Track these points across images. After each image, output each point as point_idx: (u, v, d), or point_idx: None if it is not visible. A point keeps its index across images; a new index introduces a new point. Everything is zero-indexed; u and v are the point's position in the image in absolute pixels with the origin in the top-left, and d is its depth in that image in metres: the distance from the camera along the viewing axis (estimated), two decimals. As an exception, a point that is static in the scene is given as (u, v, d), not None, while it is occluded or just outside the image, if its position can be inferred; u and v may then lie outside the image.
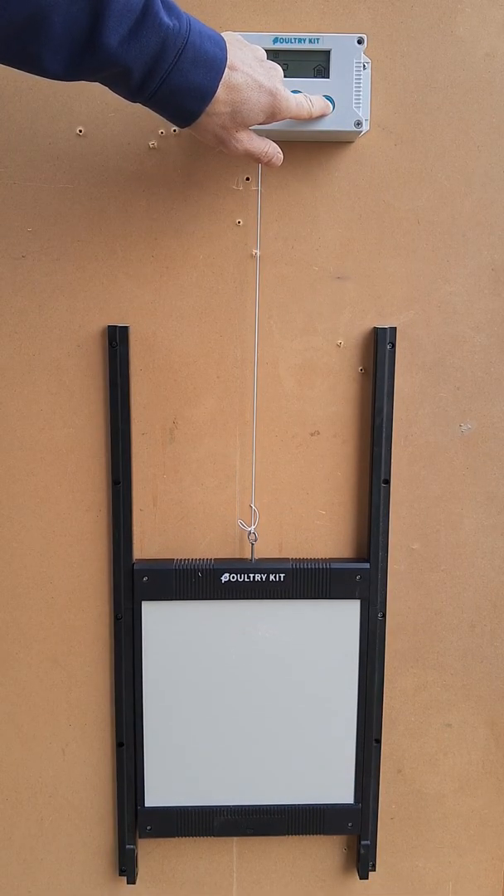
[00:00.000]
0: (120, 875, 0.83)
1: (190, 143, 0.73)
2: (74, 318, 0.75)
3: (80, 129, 0.72)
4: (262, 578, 0.76)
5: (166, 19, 0.54)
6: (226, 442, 0.78)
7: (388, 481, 0.78)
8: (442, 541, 0.80)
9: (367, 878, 0.83)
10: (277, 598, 0.77)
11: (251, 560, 0.78)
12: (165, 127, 0.73)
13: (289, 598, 0.77)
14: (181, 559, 0.78)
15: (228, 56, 0.58)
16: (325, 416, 0.78)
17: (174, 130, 0.73)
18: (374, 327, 0.76)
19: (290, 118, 0.64)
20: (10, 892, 0.84)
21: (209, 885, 0.84)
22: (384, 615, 0.80)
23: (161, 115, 0.60)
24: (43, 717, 0.81)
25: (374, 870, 0.84)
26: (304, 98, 0.66)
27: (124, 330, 0.75)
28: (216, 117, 0.60)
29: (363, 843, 0.82)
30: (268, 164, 0.66)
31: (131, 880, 0.82)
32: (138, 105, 0.70)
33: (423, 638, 0.82)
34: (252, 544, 0.78)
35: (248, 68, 0.59)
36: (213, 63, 0.57)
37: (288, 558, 0.79)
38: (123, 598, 0.78)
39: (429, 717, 0.83)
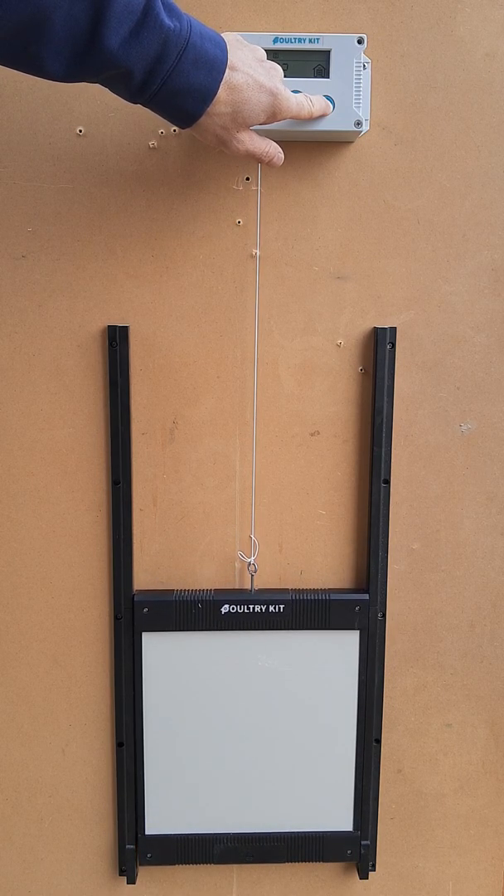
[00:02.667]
0: (120, 875, 0.83)
1: (190, 143, 0.73)
2: (74, 318, 0.75)
3: (80, 129, 0.72)
4: (261, 609, 0.77)
5: (167, 20, 0.54)
6: (226, 442, 0.78)
7: (388, 481, 0.78)
8: (442, 541, 0.80)
9: (367, 878, 0.83)
10: (277, 628, 0.78)
11: (251, 591, 0.78)
12: (165, 127, 0.73)
13: (289, 628, 0.78)
14: (181, 590, 0.78)
15: (229, 56, 0.58)
16: (325, 416, 0.78)
17: (174, 130, 0.73)
18: (374, 327, 0.76)
19: (291, 118, 0.64)
20: (10, 892, 0.84)
21: (209, 884, 0.84)
22: (384, 615, 0.80)
23: (162, 116, 0.60)
24: (43, 717, 0.81)
25: (374, 870, 0.84)
26: (305, 98, 0.66)
27: (124, 330, 0.75)
28: (217, 118, 0.60)
29: (363, 843, 0.82)
30: (269, 164, 0.66)
31: (131, 880, 0.82)
32: (139, 105, 0.70)
33: (423, 638, 0.82)
34: (252, 575, 0.78)
35: (249, 68, 0.59)
36: (214, 64, 0.57)
37: (287, 589, 0.79)
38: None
39: (429, 717, 0.83)
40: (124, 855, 0.82)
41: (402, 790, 0.84)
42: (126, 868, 0.82)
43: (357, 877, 0.84)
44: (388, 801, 0.84)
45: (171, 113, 0.59)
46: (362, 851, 0.82)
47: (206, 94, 0.58)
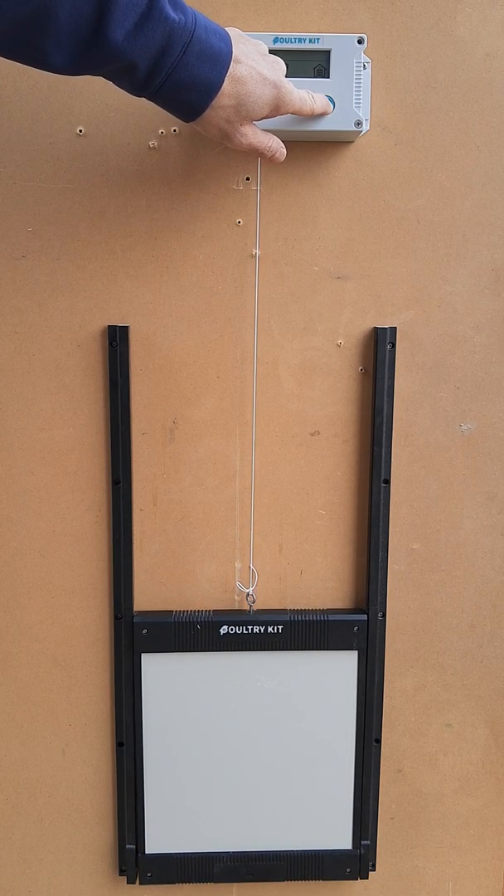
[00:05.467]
0: (120, 875, 0.83)
1: (190, 143, 0.73)
2: (74, 317, 0.75)
3: (80, 129, 0.72)
4: (260, 630, 0.77)
5: (172, 13, 0.54)
6: (226, 442, 0.78)
7: (388, 481, 0.78)
8: (442, 541, 0.80)
9: (367, 878, 0.83)
10: (276, 649, 0.78)
11: (250, 612, 0.78)
12: (165, 127, 0.73)
13: (287, 649, 0.78)
14: (180, 611, 0.78)
15: (233, 50, 0.58)
16: (325, 416, 0.78)
17: (174, 130, 0.73)
18: (374, 327, 0.76)
19: (293, 112, 0.64)
20: (10, 892, 0.84)
21: (210, 887, 0.84)
22: (384, 615, 0.80)
23: (166, 109, 0.60)
24: (43, 717, 0.81)
25: (374, 870, 0.84)
26: (307, 93, 0.66)
27: (124, 330, 0.75)
28: (221, 111, 0.60)
29: (363, 843, 0.82)
30: (272, 160, 0.65)
31: (131, 880, 0.82)
32: (138, 105, 0.70)
33: (423, 638, 0.82)
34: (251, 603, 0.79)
35: (252, 62, 0.59)
36: (219, 57, 0.57)
37: (286, 609, 0.80)
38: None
39: (429, 717, 0.83)
40: (124, 855, 0.82)
41: (402, 790, 0.84)
42: (126, 868, 0.82)
43: (357, 877, 0.84)
44: (388, 801, 0.84)
45: (175, 107, 0.59)
46: (362, 851, 0.82)
47: (211, 87, 0.58)
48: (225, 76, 0.58)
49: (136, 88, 0.57)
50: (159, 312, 0.76)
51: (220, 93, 0.58)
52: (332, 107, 0.68)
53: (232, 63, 0.58)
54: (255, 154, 0.65)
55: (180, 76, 0.56)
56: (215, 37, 0.57)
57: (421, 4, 0.72)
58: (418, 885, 0.86)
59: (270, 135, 0.65)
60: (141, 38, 0.53)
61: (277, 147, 0.65)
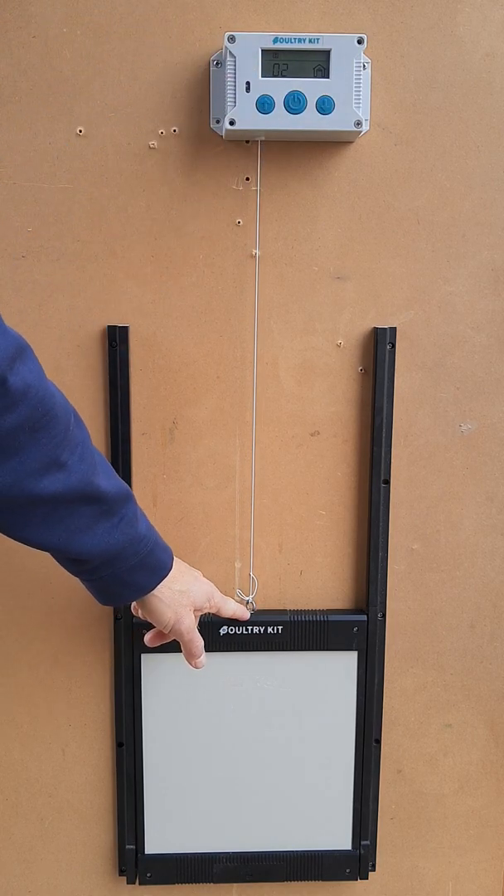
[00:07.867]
0: (120, 875, 0.83)
1: (190, 143, 0.73)
2: (74, 318, 0.75)
3: (80, 129, 0.72)
4: (260, 631, 0.77)
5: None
6: (226, 442, 0.78)
7: (388, 481, 0.78)
8: (442, 541, 0.80)
9: (366, 879, 0.83)
10: (276, 650, 0.78)
11: (250, 612, 0.78)
12: (165, 127, 0.73)
13: (287, 650, 0.78)
14: None
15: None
16: (325, 416, 0.78)
17: (174, 130, 0.73)
18: (374, 327, 0.76)
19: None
20: (10, 891, 0.84)
21: (210, 883, 0.84)
22: (384, 616, 0.80)
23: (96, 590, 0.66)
24: (43, 717, 0.81)
25: (374, 870, 0.84)
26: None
27: (124, 330, 0.75)
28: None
29: (363, 843, 0.82)
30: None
31: (131, 880, 0.82)
32: (138, 105, 0.70)
33: (423, 638, 0.82)
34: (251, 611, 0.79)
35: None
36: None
37: (286, 609, 0.80)
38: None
39: (429, 717, 0.83)
40: (124, 855, 0.82)
41: (402, 790, 0.84)
42: (126, 868, 0.82)
43: (357, 877, 0.84)
44: (388, 802, 0.84)
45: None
46: (362, 852, 0.82)
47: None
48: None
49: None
50: (159, 312, 0.76)
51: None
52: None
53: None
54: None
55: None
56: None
57: (421, 4, 0.72)
58: (418, 886, 0.86)
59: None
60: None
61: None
